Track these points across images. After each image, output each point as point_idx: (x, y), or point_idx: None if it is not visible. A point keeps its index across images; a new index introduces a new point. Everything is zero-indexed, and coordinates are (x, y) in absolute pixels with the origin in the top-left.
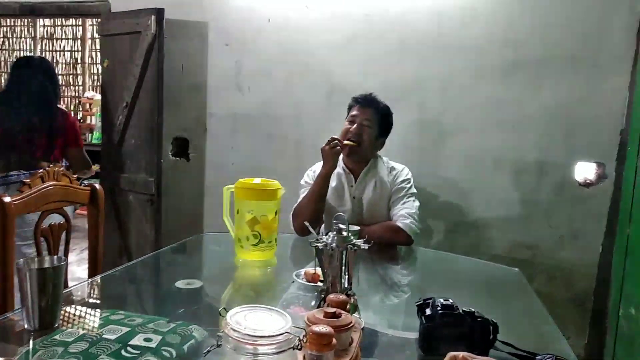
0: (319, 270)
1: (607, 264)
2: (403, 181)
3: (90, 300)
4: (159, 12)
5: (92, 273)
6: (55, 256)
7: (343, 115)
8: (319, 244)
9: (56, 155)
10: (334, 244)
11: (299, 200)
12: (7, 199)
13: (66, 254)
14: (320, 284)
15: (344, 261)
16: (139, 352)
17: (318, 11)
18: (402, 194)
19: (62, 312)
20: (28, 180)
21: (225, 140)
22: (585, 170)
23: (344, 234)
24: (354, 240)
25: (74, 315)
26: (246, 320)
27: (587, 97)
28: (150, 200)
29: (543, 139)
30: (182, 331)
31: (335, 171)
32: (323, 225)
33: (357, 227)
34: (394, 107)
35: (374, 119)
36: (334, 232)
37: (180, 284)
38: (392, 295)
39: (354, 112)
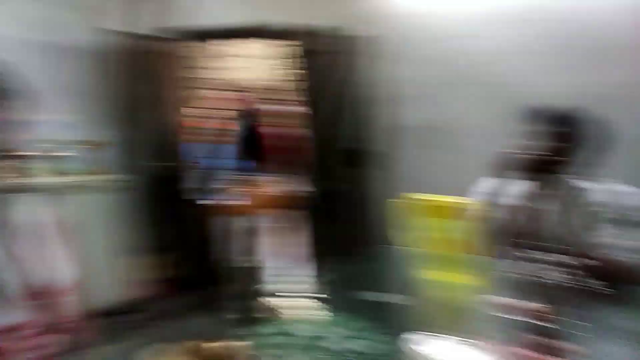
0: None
1: None
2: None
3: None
4: (345, 30)
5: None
6: (254, 257)
7: (524, 127)
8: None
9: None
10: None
11: (487, 219)
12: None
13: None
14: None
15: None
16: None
17: (496, 20)
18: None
19: (277, 304)
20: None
21: (409, 153)
22: None
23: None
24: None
25: (290, 308)
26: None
27: None
28: (344, 208)
29: None
30: (387, 341)
31: (521, 187)
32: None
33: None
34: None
35: (555, 132)
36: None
37: (369, 295)
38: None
39: (532, 127)
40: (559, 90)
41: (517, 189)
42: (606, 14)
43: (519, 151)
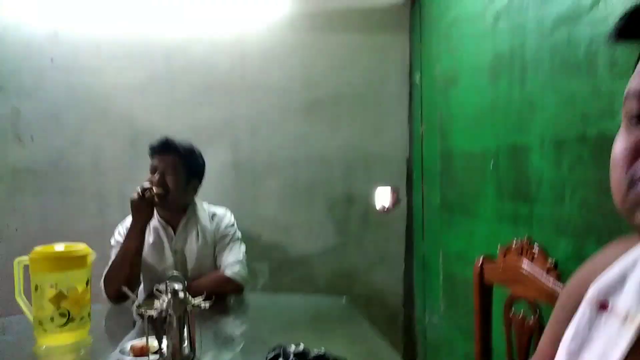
0: (149, 341)
1: (410, 280)
2: (227, 226)
3: None
4: None
5: None
6: None
7: (149, 162)
8: (151, 312)
9: None
10: (170, 310)
11: (110, 262)
12: None
13: None
14: (152, 357)
15: (184, 326)
16: None
17: (110, 52)
18: (227, 241)
19: None
20: None
21: (3, 202)
22: (381, 197)
23: (182, 295)
24: (194, 301)
25: None
26: None
27: (376, 131)
28: None
29: (347, 171)
30: None
31: (152, 225)
32: (141, 288)
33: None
34: (206, 150)
35: (176, 164)
36: (169, 295)
37: None
38: (233, 350)
39: (154, 162)
40: (173, 125)
41: (154, 224)
42: (213, 55)
43: (148, 187)
